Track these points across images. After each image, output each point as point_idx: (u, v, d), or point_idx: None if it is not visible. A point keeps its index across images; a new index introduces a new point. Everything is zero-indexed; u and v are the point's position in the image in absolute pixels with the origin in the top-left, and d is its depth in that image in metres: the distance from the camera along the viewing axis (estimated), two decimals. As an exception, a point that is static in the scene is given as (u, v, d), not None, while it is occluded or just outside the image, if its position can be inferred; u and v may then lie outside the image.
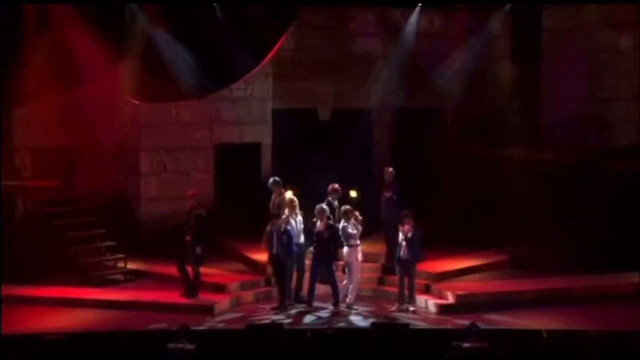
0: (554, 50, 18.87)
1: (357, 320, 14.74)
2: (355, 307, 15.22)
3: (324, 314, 15.00)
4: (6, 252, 15.48)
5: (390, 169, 16.50)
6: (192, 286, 15.39)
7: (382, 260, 16.67)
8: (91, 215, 17.30)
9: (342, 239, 15.14)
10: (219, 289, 15.90)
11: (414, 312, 15.04)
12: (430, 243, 16.19)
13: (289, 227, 15.20)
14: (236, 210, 18.15)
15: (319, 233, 15.06)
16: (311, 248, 15.33)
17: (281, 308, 15.10)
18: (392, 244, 15.82)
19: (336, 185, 16.13)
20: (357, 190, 16.55)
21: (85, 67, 15.39)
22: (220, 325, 14.39)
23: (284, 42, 17.27)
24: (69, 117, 17.33)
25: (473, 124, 18.81)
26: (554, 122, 18.47)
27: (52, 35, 15.40)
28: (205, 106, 18.52)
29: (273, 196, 16.03)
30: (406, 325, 12.90)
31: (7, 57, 15.10)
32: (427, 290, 15.80)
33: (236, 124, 19.00)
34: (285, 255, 15.06)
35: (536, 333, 12.29)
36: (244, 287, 16.13)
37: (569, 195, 16.96)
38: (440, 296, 15.55)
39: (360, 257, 15.30)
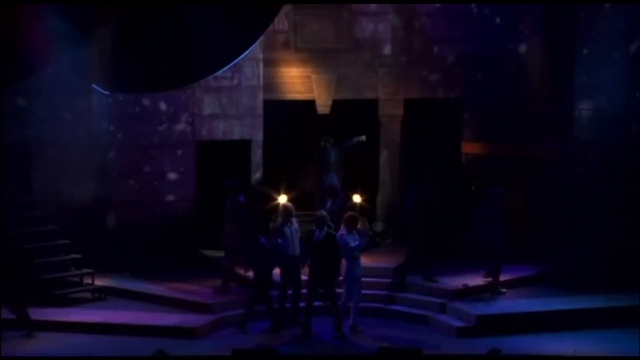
0: (593, 30, 18.54)
1: (362, 344, 14.73)
2: (359, 328, 15.28)
3: (324, 336, 15.06)
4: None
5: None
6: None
7: (390, 275, 16.78)
8: (53, 223, 17.23)
9: (342, 250, 15.17)
10: (201, 308, 15.89)
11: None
12: (446, 256, 16.92)
13: (279, 239, 15.28)
14: (221, 217, 17.88)
15: (318, 244, 15.05)
16: (309, 261, 15.32)
17: (274, 330, 15.16)
18: (409, 257, 16.29)
19: (336, 189, 16.31)
20: (362, 195, 16.34)
21: (43, 50, 15.03)
22: (203, 352, 14.26)
23: (276, 22, 17.21)
24: (25, 110, 17.29)
25: (497, 117, 18.71)
26: (592, 114, 18.33)
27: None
28: (185, 97, 18.47)
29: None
30: (418, 350, 12.98)
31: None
32: (442, 310, 15.92)
33: (222, 118, 18.86)
34: (278, 268, 15.26)
35: (570, 360, 12.18)
36: (230, 306, 16.08)
37: (611, 200, 16.85)
38: (459, 317, 15.61)
39: (360, 271, 15.32)
